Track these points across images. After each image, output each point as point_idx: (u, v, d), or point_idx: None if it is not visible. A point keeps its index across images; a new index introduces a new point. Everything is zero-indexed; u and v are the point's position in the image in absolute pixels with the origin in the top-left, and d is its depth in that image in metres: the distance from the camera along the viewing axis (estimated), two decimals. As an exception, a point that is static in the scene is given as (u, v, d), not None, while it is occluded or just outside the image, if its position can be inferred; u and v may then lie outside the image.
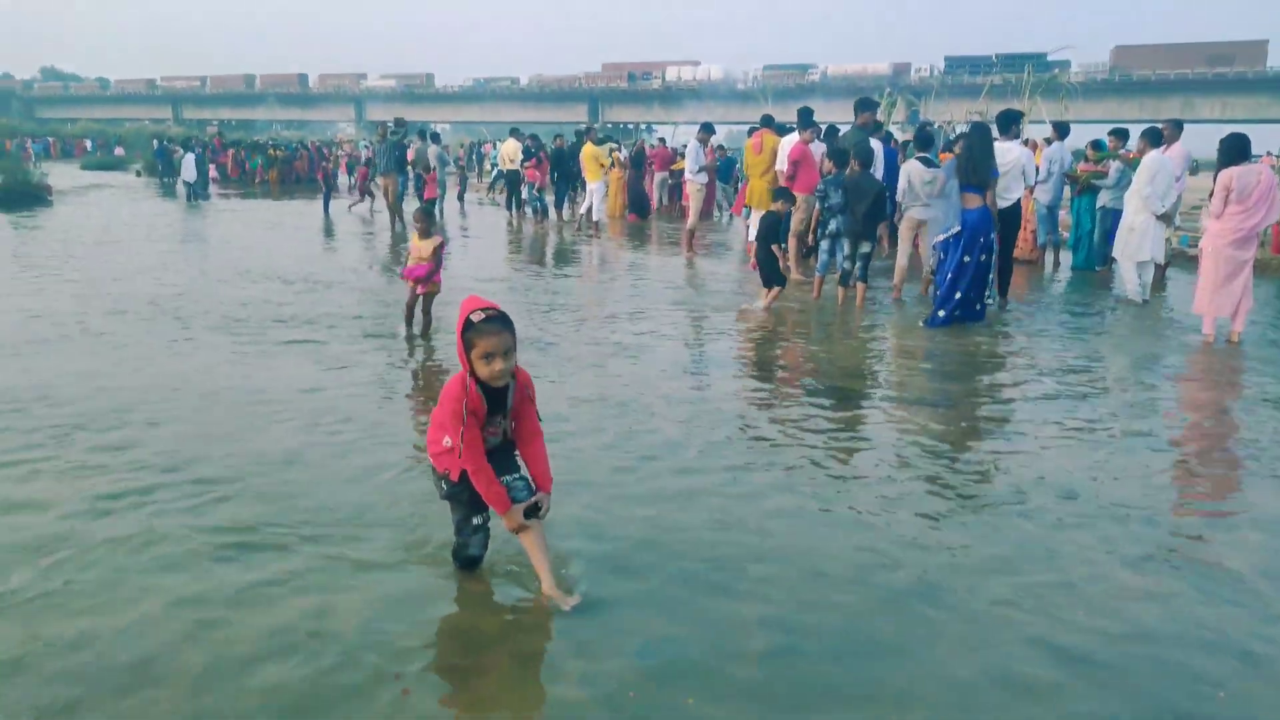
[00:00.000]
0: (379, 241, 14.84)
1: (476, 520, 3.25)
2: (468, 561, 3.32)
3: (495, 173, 22.90)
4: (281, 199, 24.60)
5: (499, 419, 3.11)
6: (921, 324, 8.48)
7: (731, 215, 18.99)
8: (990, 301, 8.75)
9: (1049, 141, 12.50)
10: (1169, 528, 3.97)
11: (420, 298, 7.47)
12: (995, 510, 4.09)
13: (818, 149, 10.68)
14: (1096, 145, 11.87)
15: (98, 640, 2.87)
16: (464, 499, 3.19)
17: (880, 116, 11.94)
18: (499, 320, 2.92)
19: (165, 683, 2.67)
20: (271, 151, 31.36)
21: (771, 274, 8.81)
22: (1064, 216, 12.97)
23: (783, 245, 8.76)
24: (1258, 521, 4.03)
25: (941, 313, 8.35)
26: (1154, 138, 9.56)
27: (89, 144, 52.25)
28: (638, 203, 19.46)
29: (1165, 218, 9.69)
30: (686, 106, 63.26)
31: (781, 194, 8.97)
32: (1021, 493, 4.28)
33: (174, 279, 10.13)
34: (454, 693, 2.73)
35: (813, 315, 8.75)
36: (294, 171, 31.40)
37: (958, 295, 8.26)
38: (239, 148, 33.76)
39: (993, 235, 8.38)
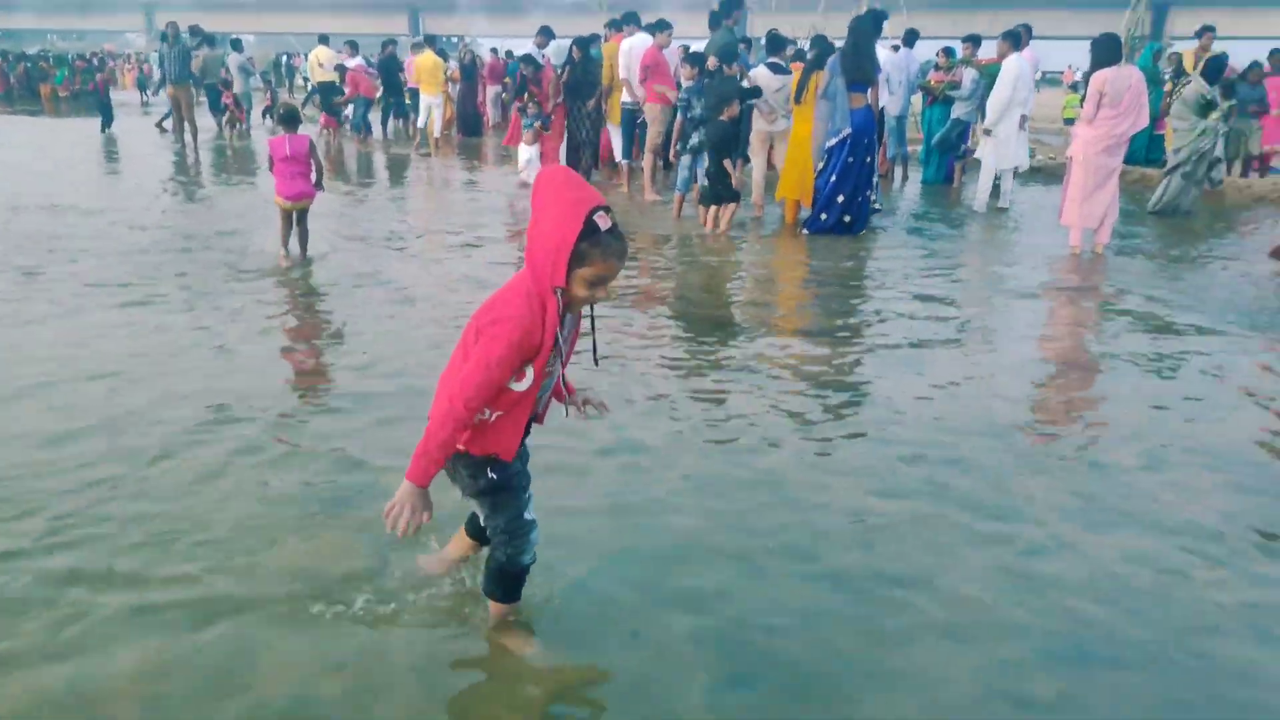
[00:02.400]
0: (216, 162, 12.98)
1: (529, 514, 2.32)
2: (521, 574, 2.37)
3: (310, 88, 20.61)
4: (62, 116, 21.55)
5: (555, 360, 2.22)
6: (802, 230, 8.21)
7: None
8: (876, 204, 8.43)
9: (895, 49, 12.14)
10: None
11: (296, 211, 6.49)
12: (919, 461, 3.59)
13: (673, 54, 9.87)
14: (948, 52, 11.60)
15: None
16: (523, 483, 2.30)
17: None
18: (622, 236, 2.05)
19: None
20: (43, 65, 27.52)
21: (725, 190, 8.02)
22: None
23: (734, 158, 8.03)
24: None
25: (824, 215, 8.04)
26: (1015, 40, 9.23)
27: None
28: (469, 119, 18.01)
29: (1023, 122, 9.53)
30: (516, 17, 60.42)
31: (744, 93, 8.07)
32: (961, 430, 3.81)
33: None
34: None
35: (676, 238, 8.08)
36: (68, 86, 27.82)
37: (840, 199, 7.90)
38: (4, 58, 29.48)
39: (875, 136, 8.09)
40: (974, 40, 11.32)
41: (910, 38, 11.98)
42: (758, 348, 4.97)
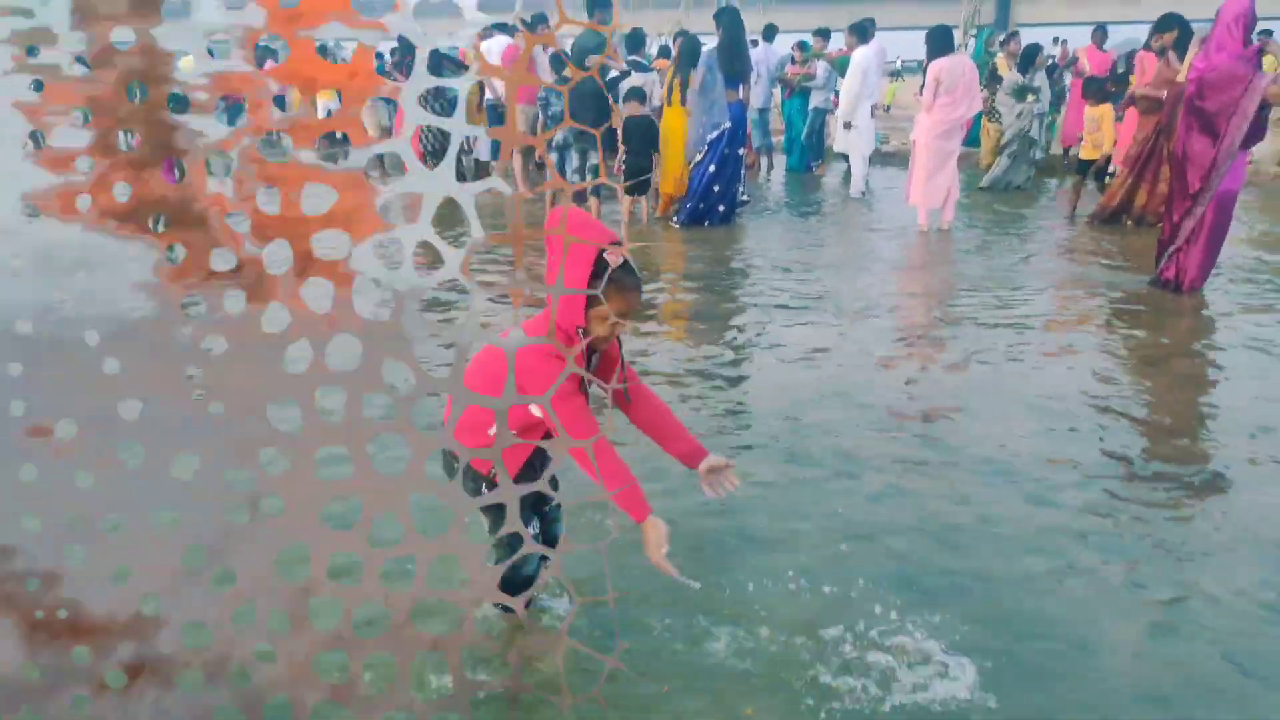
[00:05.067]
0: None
1: (532, 528, 2.31)
2: (524, 583, 2.32)
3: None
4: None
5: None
6: (673, 222, 8.44)
7: None
8: (744, 196, 8.72)
9: (754, 44, 12.50)
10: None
11: None
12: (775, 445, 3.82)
13: (539, 54, 9.93)
14: (802, 46, 12.03)
15: None
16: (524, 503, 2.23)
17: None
18: (634, 270, 2.07)
19: None
20: None
21: (644, 183, 8.21)
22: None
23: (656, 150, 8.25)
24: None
25: (702, 204, 8.29)
26: (861, 33, 9.66)
27: None
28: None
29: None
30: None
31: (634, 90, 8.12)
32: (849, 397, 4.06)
33: None
34: None
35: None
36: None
37: (716, 189, 8.21)
38: None
39: (745, 130, 8.46)
40: (824, 34, 11.81)
41: (769, 32, 12.38)
42: (662, 341, 5.13)
